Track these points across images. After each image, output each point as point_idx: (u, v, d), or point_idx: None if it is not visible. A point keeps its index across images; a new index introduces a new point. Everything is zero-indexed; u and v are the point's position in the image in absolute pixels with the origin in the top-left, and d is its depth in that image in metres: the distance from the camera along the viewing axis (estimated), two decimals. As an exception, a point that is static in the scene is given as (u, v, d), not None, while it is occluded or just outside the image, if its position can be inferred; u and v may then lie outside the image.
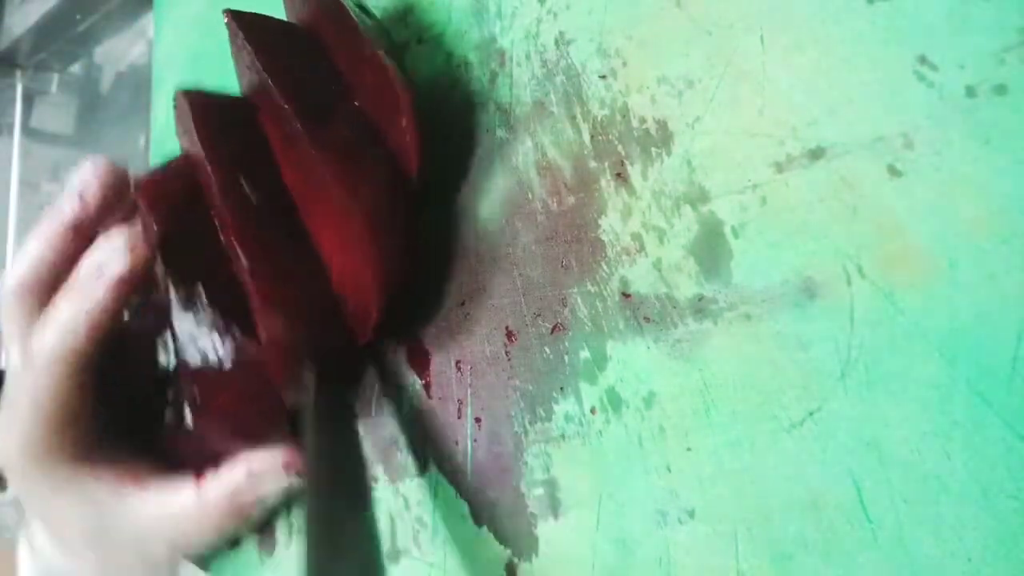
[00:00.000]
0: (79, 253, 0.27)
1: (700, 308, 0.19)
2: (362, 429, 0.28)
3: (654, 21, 0.20)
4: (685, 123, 0.19)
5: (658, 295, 0.20)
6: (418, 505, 0.26)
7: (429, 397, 0.25)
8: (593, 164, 0.21)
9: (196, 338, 0.25)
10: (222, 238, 0.26)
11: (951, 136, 0.15)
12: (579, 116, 0.22)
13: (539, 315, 0.23)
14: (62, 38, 0.55)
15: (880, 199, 0.16)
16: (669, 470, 0.19)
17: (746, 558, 0.18)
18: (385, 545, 0.27)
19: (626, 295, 0.20)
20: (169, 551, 0.29)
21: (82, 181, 0.27)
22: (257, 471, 0.26)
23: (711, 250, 0.19)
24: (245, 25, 0.26)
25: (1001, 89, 0.14)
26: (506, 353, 0.23)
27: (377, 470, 0.28)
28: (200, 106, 0.27)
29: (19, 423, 0.27)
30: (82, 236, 0.27)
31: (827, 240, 0.17)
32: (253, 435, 0.27)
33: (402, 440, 0.26)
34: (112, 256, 0.26)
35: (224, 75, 0.32)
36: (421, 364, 0.26)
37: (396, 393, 0.27)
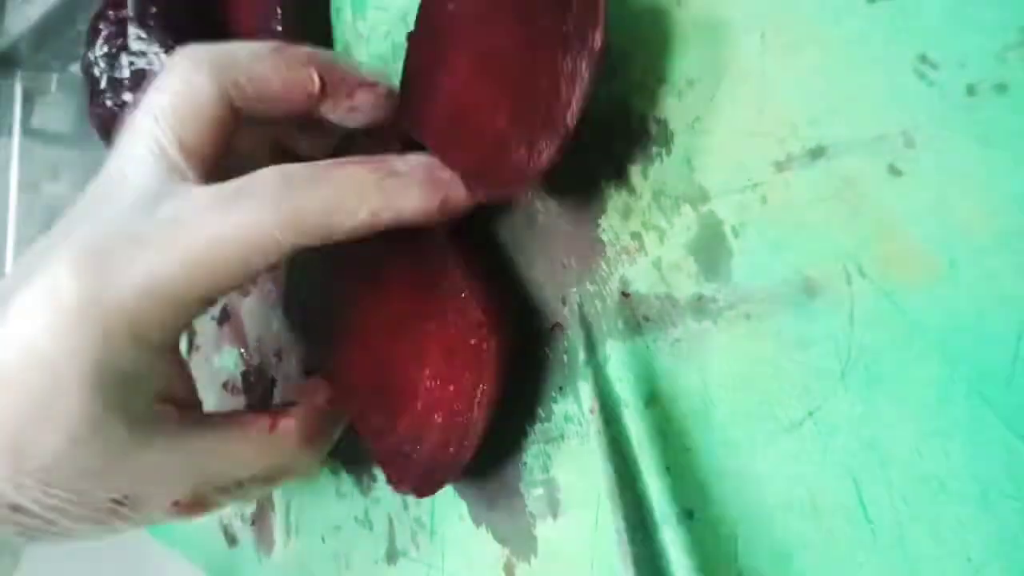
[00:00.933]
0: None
1: (700, 307, 0.19)
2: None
3: (654, 20, 0.20)
4: (685, 123, 0.19)
5: (658, 294, 0.20)
6: (416, 506, 0.26)
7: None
8: (593, 163, 0.21)
9: None
10: None
11: (951, 135, 0.15)
12: (579, 116, 0.22)
13: (539, 314, 0.23)
14: (62, 38, 0.55)
15: (880, 198, 0.16)
16: (668, 470, 0.19)
17: (746, 558, 0.18)
18: (384, 546, 0.27)
19: (626, 294, 0.20)
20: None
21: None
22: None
23: (711, 249, 0.19)
24: None
25: (1002, 88, 0.14)
26: (505, 353, 0.23)
27: (377, 470, 0.28)
28: None
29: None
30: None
31: (827, 239, 0.16)
32: None
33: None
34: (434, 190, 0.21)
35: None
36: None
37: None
